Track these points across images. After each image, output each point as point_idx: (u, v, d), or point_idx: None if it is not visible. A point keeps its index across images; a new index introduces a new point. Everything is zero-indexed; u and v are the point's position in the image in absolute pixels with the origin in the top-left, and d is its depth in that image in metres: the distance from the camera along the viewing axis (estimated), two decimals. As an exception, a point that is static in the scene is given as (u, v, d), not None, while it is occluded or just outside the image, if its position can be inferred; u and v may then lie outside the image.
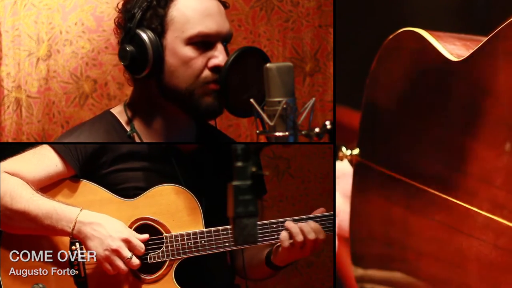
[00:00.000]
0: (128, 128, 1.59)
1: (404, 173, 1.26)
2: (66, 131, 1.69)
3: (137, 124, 1.60)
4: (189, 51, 1.52)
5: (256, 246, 1.68)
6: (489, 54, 1.07)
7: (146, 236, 1.55)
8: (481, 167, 1.08)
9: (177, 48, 1.52)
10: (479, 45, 1.09)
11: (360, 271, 1.38)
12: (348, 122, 1.73)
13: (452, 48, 1.17)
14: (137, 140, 1.59)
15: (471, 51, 1.10)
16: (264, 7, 2.41)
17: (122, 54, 1.53)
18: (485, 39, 1.06)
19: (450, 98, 1.15)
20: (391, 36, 1.28)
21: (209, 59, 1.53)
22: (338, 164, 1.37)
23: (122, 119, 1.61)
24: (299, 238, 1.55)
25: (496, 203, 1.05)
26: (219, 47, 1.54)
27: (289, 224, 1.57)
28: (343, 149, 1.42)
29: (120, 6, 1.57)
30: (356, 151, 1.40)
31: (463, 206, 1.11)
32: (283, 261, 1.61)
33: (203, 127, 1.70)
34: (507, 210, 1.03)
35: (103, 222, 1.52)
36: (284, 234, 1.57)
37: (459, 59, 1.13)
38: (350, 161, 1.42)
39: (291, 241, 1.56)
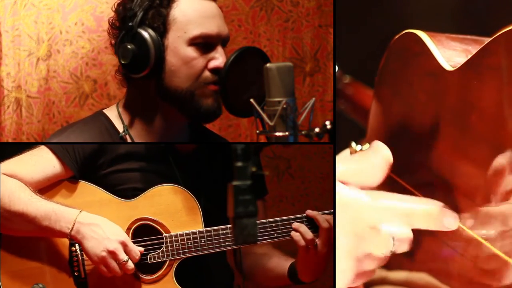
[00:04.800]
0: (121, 130, 1.59)
1: (398, 174, 1.26)
2: (57, 131, 1.69)
3: (131, 125, 1.60)
4: (190, 51, 1.52)
5: (268, 253, 1.69)
6: (475, 69, 1.06)
7: (141, 249, 1.55)
8: (465, 183, 1.08)
9: (179, 48, 1.52)
10: (468, 58, 1.08)
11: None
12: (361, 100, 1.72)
13: (451, 55, 1.16)
14: (129, 141, 1.59)
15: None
16: (264, 7, 2.41)
17: (123, 53, 1.52)
18: (487, 40, 1.05)
19: (443, 107, 1.14)
20: (397, 36, 1.27)
21: (209, 60, 1.53)
22: (340, 189, 1.28)
23: (115, 120, 1.61)
24: (309, 236, 1.56)
25: (476, 221, 1.05)
26: (219, 49, 1.54)
27: (296, 225, 1.58)
28: (353, 144, 1.41)
29: (116, 6, 1.57)
30: (366, 146, 1.38)
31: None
32: (306, 268, 1.61)
33: (197, 129, 1.70)
34: None
35: (102, 224, 1.52)
36: (297, 234, 1.58)
37: (454, 69, 1.12)
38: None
39: (303, 243, 1.57)
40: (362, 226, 1.12)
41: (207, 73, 1.53)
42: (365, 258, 1.12)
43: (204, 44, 1.53)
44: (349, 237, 1.12)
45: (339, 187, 1.15)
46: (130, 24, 1.51)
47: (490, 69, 1.03)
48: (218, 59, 1.53)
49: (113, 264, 1.51)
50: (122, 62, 1.53)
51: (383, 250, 1.10)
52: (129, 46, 1.51)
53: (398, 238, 1.10)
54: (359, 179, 1.16)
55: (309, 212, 1.59)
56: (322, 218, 1.58)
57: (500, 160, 1.00)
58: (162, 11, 1.52)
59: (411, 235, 1.11)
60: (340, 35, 1.96)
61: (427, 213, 1.10)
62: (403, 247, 1.10)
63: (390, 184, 1.28)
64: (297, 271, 1.62)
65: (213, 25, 1.53)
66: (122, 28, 1.54)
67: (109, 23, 1.57)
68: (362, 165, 1.18)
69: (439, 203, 1.10)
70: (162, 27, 1.52)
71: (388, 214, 1.11)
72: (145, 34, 1.50)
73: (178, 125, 1.63)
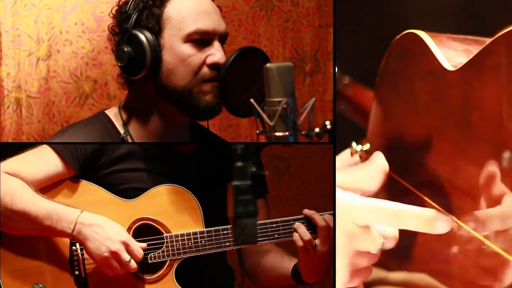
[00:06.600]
0: (122, 131, 1.59)
1: (400, 175, 1.26)
2: (58, 131, 1.69)
3: (132, 126, 1.60)
4: (187, 49, 1.52)
5: (271, 252, 1.69)
6: (476, 68, 1.07)
7: (144, 244, 1.55)
8: (466, 182, 1.08)
9: (175, 46, 1.52)
10: (470, 58, 1.09)
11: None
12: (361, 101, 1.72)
13: (452, 55, 1.16)
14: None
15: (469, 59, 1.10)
16: (264, 7, 2.41)
17: (119, 55, 1.52)
18: (488, 40, 1.06)
19: (444, 107, 1.14)
20: (397, 37, 1.27)
21: (207, 56, 1.53)
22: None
23: (116, 121, 1.61)
24: (306, 236, 1.56)
25: (477, 220, 1.05)
26: (216, 44, 1.54)
27: (296, 225, 1.58)
28: (353, 144, 1.41)
29: (113, 11, 1.57)
30: (367, 146, 1.39)
31: (451, 217, 1.12)
32: (308, 268, 1.60)
33: (198, 129, 1.70)
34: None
35: (103, 224, 1.52)
36: (295, 234, 1.58)
37: (455, 69, 1.12)
38: (361, 157, 1.41)
39: (301, 243, 1.56)
40: (354, 224, 1.14)
41: (205, 69, 1.53)
42: (357, 255, 1.15)
43: (200, 40, 1.53)
44: (342, 235, 1.15)
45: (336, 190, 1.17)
46: (125, 26, 1.52)
47: (491, 68, 1.03)
48: (216, 54, 1.53)
49: (116, 264, 1.51)
50: (119, 64, 1.53)
51: (373, 247, 1.14)
52: (125, 49, 1.51)
53: (385, 235, 1.14)
54: (357, 185, 1.18)
55: (306, 211, 1.59)
56: (318, 217, 1.57)
57: (491, 167, 1.01)
58: (156, 11, 1.52)
59: (397, 233, 1.15)
60: (340, 35, 1.95)
61: (420, 215, 1.12)
62: (390, 245, 1.15)
63: (391, 184, 1.28)
64: (300, 271, 1.62)
65: (208, 21, 1.53)
66: (120, 32, 1.54)
67: (108, 30, 1.57)
68: (359, 173, 1.20)
69: (433, 210, 1.13)
70: (156, 27, 1.52)
71: (378, 214, 1.14)
72: (140, 35, 1.51)
73: (178, 126, 1.62)
